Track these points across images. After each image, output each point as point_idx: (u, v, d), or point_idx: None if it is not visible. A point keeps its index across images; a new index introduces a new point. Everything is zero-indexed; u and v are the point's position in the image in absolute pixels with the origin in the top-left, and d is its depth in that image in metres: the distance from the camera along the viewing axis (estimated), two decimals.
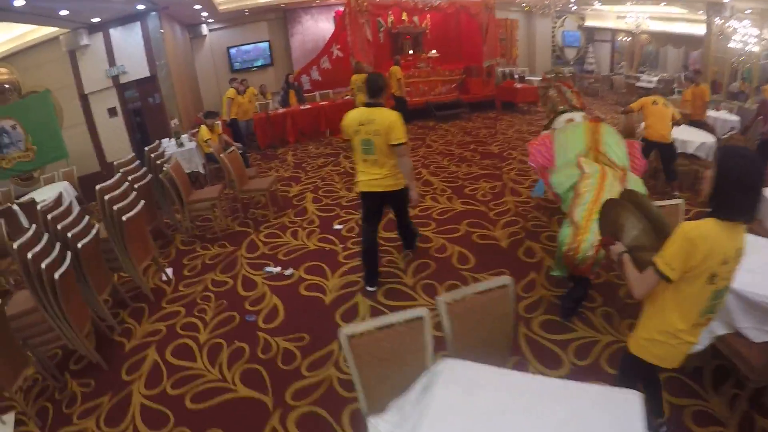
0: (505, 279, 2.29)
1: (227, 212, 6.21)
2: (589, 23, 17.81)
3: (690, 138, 6.90)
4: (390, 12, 11.62)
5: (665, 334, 1.90)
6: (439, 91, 12.16)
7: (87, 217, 4.18)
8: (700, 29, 14.32)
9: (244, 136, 9.56)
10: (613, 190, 3.35)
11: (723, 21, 10.58)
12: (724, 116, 9.14)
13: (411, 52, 12.27)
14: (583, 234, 3.24)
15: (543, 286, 4.04)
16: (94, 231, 3.89)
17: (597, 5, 14.89)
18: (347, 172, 7.50)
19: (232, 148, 6.16)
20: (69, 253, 3.44)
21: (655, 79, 16.42)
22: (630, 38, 18.20)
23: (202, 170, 7.42)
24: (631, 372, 2.13)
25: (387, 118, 3.62)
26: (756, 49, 10.37)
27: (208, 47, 12.77)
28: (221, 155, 5.80)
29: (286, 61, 13.11)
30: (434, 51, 12.37)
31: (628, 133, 7.29)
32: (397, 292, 4.11)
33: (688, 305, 1.83)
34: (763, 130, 6.70)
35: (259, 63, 13.13)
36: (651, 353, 1.97)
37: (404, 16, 11.96)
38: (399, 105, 10.40)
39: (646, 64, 18.88)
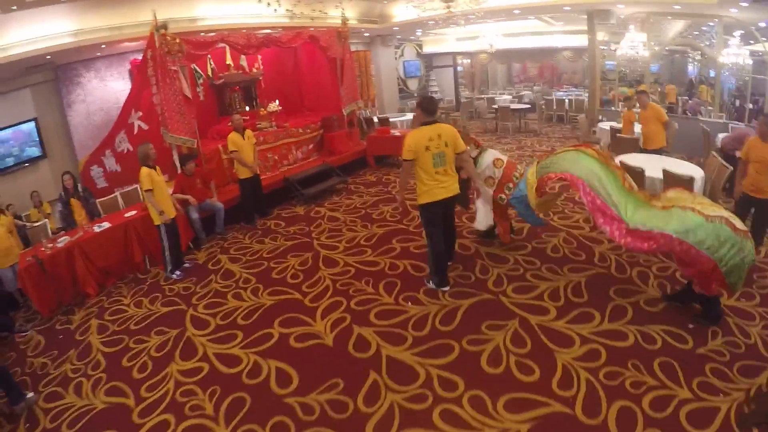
0: None
1: None
2: (427, 49, 16.26)
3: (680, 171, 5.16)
4: (210, 55, 7.91)
5: None
6: (296, 157, 8.77)
7: None
8: (556, 41, 13.68)
9: (10, 299, 5.26)
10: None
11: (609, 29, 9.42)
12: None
13: (247, 108, 8.68)
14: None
15: None
16: None
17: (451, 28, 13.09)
18: (216, 370, 3.62)
19: None
20: None
21: (509, 97, 15.43)
22: (469, 60, 17.21)
23: None
24: None
25: (450, 130, 4.17)
26: (646, 53, 9.36)
27: None
28: None
29: (65, 148, 8.31)
30: (276, 103, 8.94)
31: None
32: None
33: None
34: None
35: (26, 156, 7.94)
36: None
37: (229, 60, 8.33)
38: (249, 188, 6.77)
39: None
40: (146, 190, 4.98)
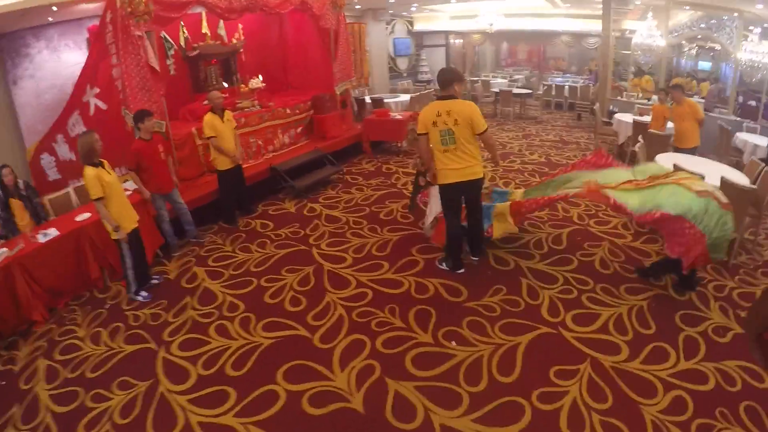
0: None
1: None
2: (418, 27, 15.17)
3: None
4: (182, 22, 6.69)
5: None
6: (282, 142, 7.71)
7: None
8: (556, 24, 12.83)
9: None
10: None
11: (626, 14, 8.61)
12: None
13: (225, 84, 7.53)
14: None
15: None
16: None
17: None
18: None
19: None
20: None
21: (504, 80, 14.52)
22: (461, 40, 16.20)
23: None
24: None
25: (465, 108, 3.80)
26: (662, 42, 8.57)
27: None
28: None
29: (10, 134, 6.75)
30: (259, 78, 7.80)
31: None
32: None
33: None
34: None
35: None
36: None
37: (205, 28, 7.13)
38: (230, 181, 5.67)
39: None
40: (96, 199, 3.77)
